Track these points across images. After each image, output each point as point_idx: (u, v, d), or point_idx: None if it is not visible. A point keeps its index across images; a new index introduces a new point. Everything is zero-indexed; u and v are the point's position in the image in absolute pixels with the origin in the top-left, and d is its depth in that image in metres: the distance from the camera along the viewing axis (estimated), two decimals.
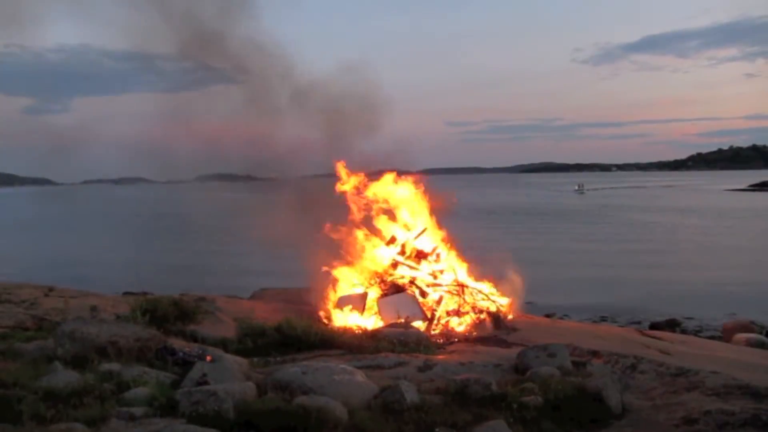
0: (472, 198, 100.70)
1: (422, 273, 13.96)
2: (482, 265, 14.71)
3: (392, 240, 14.61)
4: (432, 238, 14.81)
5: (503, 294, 13.76)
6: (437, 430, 5.98)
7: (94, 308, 11.61)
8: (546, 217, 68.91)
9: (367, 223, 15.01)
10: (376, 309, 13.15)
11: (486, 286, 14.00)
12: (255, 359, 9.20)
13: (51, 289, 14.48)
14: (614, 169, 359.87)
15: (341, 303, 13.44)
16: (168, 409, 5.88)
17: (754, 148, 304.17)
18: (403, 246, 14.52)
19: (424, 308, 13.06)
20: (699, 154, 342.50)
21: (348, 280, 14.26)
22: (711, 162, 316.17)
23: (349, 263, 14.46)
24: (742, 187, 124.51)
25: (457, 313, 13.00)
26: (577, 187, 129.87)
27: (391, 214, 15.12)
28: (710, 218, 63.81)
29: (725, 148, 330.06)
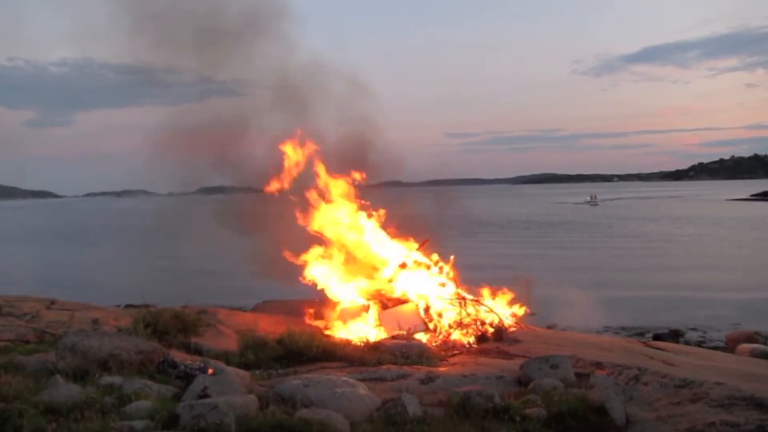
0: (481, 210, 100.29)
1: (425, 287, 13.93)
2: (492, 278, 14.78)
3: (403, 265, 14.47)
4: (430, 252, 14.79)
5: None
6: None
7: (95, 321, 11.59)
8: (561, 228, 67.35)
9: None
10: (377, 321, 13.12)
11: (488, 298, 13.97)
12: (257, 372, 9.18)
13: (53, 302, 14.44)
14: (616, 179, 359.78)
15: (343, 315, 13.41)
16: (169, 422, 5.85)
17: (756, 158, 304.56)
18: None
19: (426, 320, 13.03)
20: (701, 164, 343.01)
21: (350, 292, 14.26)
22: (713, 172, 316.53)
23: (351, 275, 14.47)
24: (744, 196, 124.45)
25: (460, 324, 12.95)
26: (589, 198, 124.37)
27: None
28: (715, 228, 63.76)
29: (726, 157, 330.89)
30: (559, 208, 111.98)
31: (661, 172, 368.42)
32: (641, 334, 20.18)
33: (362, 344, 11.59)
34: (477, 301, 13.57)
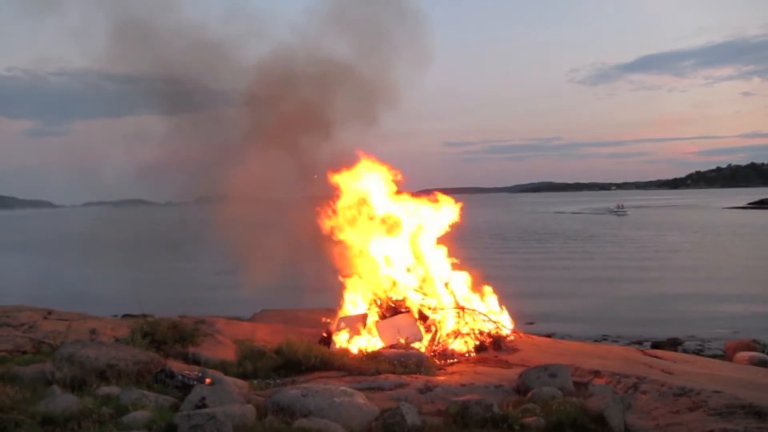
0: (500, 220, 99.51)
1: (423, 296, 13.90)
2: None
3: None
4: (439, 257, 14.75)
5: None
6: None
7: (93, 331, 11.55)
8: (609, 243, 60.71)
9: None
10: (375, 331, 13.09)
11: (485, 307, 13.95)
12: (255, 381, 9.16)
13: (50, 312, 14.39)
14: (613, 188, 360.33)
15: (342, 323, 13.38)
16: None
17: (752, 166, 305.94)
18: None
19: (424, 329, 13.00)
20: (698, 173, 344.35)
21: (351, 299, 14.24)
22: (710, 180, 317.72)
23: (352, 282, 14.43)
24: (741, 204, 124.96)
25: (458, 334, 12.93)
26: (615, 207, 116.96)
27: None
28: (715, 235, 63.90)
29: (723, 166, 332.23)
30: (582, 218, 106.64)
31: (658, 181, 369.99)
32: (639, 343, 20.17)
33: (360, 353, 11.57)
34: (475, 310, 13.53)
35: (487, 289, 14.56)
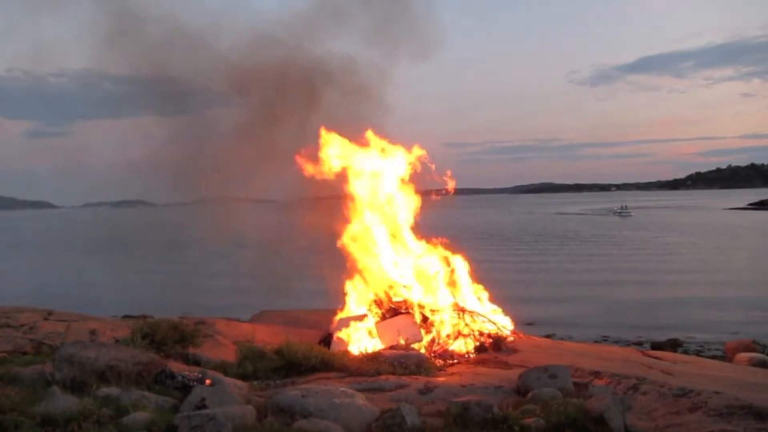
0: (495, 218, 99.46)
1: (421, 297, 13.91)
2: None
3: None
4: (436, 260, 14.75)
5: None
6: None
7: (93, 332, 11.56)
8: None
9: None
10: (375, 332, 13.09)
11: (484, 307, 13.96)
12: (255, 382, 9.16)
13: (50, 313, 14.42)
14: (614, 189, 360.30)
15: (341, 325, 13.38)
16: None
17: (752, 167, 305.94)
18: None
19: (424, 331, 13.00)
20: (698, 174, 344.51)
21: (353, 300, 14.24)
22: (710, 181, 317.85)
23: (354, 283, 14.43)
24: (741, 205, 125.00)
25: (458, 335, 12.93)
26: (619, 209, 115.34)
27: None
28: (710, 237, 63.87)
29: (723, 167, 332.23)
30: (584, 219, 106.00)
31: (658, 182, 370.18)
32: (639, 344, 20.18)
33: (360, 354, 11.57)
34: (475, 311, 13.53)
35: (486, 291, 14.57)
